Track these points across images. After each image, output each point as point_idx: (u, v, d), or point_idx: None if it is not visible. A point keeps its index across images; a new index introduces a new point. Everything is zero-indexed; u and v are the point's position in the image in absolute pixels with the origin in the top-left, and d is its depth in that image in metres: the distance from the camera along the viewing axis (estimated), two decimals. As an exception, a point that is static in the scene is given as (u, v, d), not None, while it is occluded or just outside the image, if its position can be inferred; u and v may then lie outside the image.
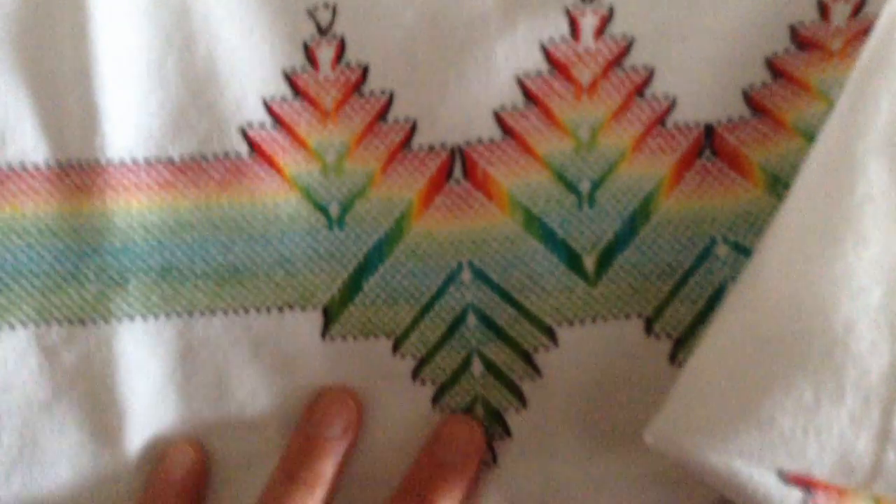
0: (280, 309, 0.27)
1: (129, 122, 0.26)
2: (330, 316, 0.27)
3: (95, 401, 0.26)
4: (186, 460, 0.26)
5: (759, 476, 0.22)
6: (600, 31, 0.26)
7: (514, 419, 0.26)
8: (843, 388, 0.21)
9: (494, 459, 0.27)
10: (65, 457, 0.27)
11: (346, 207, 0.27)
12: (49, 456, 0.26)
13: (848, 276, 0.21)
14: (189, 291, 0.27)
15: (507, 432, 0.27)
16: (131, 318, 0.26)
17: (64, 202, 0.26)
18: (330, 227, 0.27)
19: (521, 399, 0.26)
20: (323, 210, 0.27)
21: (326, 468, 0.26)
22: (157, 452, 0.27)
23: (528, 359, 0.26)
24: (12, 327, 0.26)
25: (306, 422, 0.26)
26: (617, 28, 0.26)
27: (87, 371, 0.26)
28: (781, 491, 0.22)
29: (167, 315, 0.27)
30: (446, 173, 0.27)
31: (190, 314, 0.27)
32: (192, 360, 0.27)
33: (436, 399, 0.27)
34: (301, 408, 0.27)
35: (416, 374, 0.27)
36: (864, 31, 0.24)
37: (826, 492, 0.22)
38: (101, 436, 0.27)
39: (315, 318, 0.27)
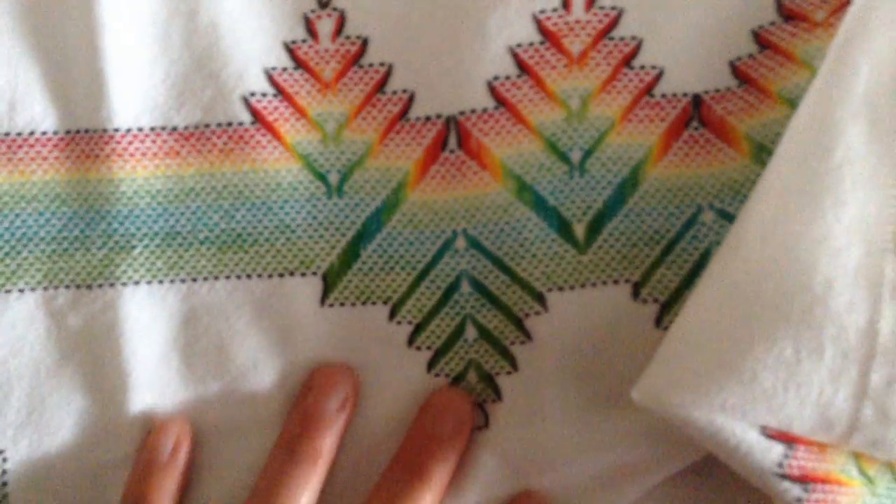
0: (281, 275, 0.27)
1: (135, 92, 0.27)
2: (329, 282, 0.27)
3: (100, 364, 0.27)
4: (172, 439, 0.26)
5: (742, 431, 0.22)
6: (591, 2, 0.27)
7: (505, 382, 0.27)
8: (823, 345, 0.21)
9: (486, 423, 0.27)
10: (70, 420, 0.27)
11: (344, 176, 0.28)
12: (55, 419, 0.27)
13: (827, 237, 0.22)
14: (193, 257, 0.27)
15: (499, 395, 0.27)
16: (136, 282, 0.27)
17: (72, 169, 0.27)
18: (329, 196, 0.28)
19: (513, 363, 0.27)
20: (322, 178, 0.28)
21: (326, 443, 0.26)
22: (153, 422, 0.27)
23: (519, 324, 0.27)
24: (21, 291, 0.27)
25: (305, 396, 0.27)
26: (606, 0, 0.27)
27: (92, 334, 0.27)
28: (763, 446, 0.22)
29: (171, 280, 0.27)
30: (441, 143, 0.27)
31: (194, 280, 0.27)
32: (194, 326, 0.27)
33: (431, 365, 0.27)
34: (301, 375, 0.27)
35: (411, 340, 0.27)
36: (846, 2, 0.24)
37: (807, 447, 0.23)
38: (105, 400, 0.27)
39: (315, 284, 0.27)
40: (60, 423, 0.27)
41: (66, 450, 0.27)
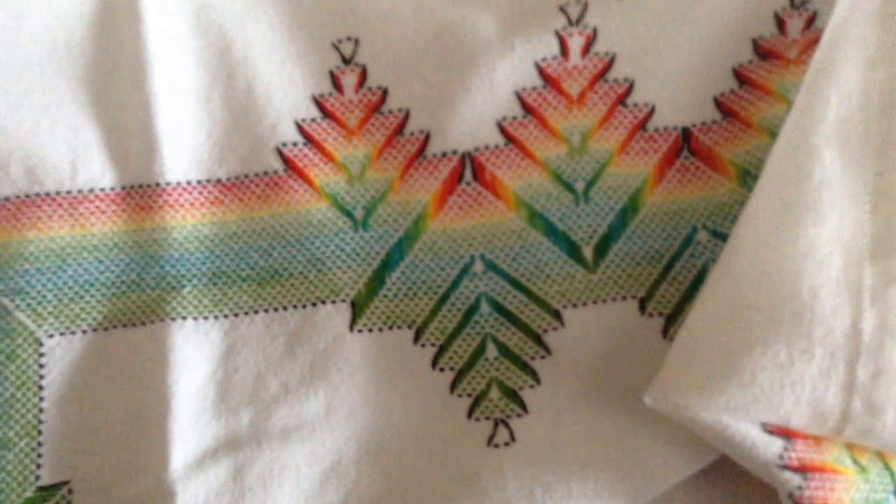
0: (314, 304, 0.29)
1: (183, 150, 0.29)
2: (357, 309, 0.29)
3: (145, 390, 0.28)
4: None
5: (746, 428, 0.24)
6: (586, 49, 0.29)
7: (529, 396, 0.29)
8: (813, 347, 0.23)
9: (513, 437, 0.28)
10: (116, 444, 0.28)
11: (369, 211, 0.30)
12: (103, 445, 0.28)
13: (811, 250, 0.23)
14: (235, 294, 0.29)
15: (525, 409, 0.28)
16: (184, 318, 0.29)
17: (128, 220, 0.29)
18: (355, 230, 0.30)
19: (535, 377, 0.29)
20: (349, 214, 0.30)
21: None
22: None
23: (538, 339, 0.29)
24: (84, 333, 0.29)
25: None
26: (601, 46, 0.29)
27: (140, 363, 0.29)
28: (765, 441, 0.24)
29: (216, 317, 0.29)
30: (458, 177, 0.30)
31: (235, 315, 0.29)
32: (234, 359, 0.29)
33: (453, 386, 0.29)
34: (331, 397, 0.29)
35: (435, 362, 0.29)
36: (816, 41, 0.26)
37: (804, 440, 0.24)
38: (148, 425, 0.28)
39: (344, 311, 0.29)
40: (106, 448, 0.28)
41: (111, 474, 0.28)
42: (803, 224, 0.24)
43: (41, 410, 0.29)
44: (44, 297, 0.29)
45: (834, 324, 0.23)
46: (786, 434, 0.24)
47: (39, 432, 0.28)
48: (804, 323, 0.23)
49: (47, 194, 0.29)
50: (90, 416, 0.29)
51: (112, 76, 0.29)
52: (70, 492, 0.28)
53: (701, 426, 0.25)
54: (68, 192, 0.29)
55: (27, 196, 0.29)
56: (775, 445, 0.24)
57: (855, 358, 0.23)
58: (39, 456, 0.28)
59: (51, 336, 0.29)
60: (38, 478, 0.28)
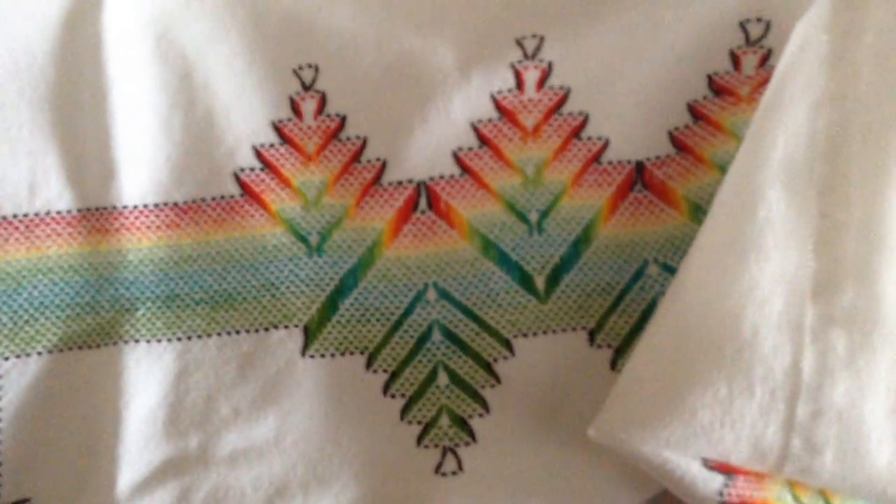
0: (266, 329, 0.30)
1: (141, 173, 0.30)
2: (310, 334, 0.30)
3: (97, 413, 0.29)
4: None
5: (686, 464, 0.24)
6: (541, 83, 0.29)
7: (478, 425, 0.29)
8: (753, 385, 0.23)
9: (461, 466, 0.29)
10: (66, 467, 0.29)
11: (324, 237, 0.30)
12: (53, 469, 0.29)
13: (753, 288, 0.23)
14: (189, 317, 0.29)
15: (473, 438, 0.29)
16: (137, 341, 0.29)
17: (84, 243, 0.30)
18: (310, 255, 0.30)
19: (485, 405, 0.29)
20: (304, 240, 0.30)
21: None
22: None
23: (488, 368, 0.29)
24: (39, 354, 0.29)
25: None
26: (556, 80, 0.29)
27: (92, 387, 0.29)
28: (705, 476, 0.24)
29: (168, 339, 0.29)
30: (413, 205, 0.30)
31: (189, 338, 0.29)
32: (185, 382, 0.29)
33: (404, 412, 0.29)
34: (282, 422, 0.29)
35: (386, 388, 0.29)
36: (769, 79, 0.26)
37: (745, 477, 0.25)
38: (99, 447, 0.29)
39: (296, 337, 0.29)
40: (61, 468, 0.29)
41: (67, 493, 0.29)
42: (746, 262, 0.24)
43: None
44: None
45: (774, 363, 0.23)
46: (727, 470, 0.25)
47: None
48: (745, 361, 0.23)
49: (4, 217, 0.30)
50: (46, 436, 0.29)
51: (72, 100, 0.30)
52: None
53: (643, 460, 0.25)
54: (25, 215, 0.30)
55: None
56: (716, 481, 0.25)
57: (795, 397, 0.23)
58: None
59: (6, 359, 0.29)
60: None
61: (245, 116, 0.30)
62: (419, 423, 0.29)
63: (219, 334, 0.30)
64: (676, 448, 0.24)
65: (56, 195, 0.30)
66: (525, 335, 0.29)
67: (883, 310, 0.23)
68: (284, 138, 0.30)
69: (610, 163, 0.30)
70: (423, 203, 0.30)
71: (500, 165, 0.30)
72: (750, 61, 0.29)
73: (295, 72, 0.30)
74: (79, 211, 0.30)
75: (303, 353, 0.30)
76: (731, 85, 0.29)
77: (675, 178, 0.29)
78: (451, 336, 0.29)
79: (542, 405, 0.29)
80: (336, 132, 0.30)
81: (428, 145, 0.30)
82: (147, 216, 0.30)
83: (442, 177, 0.30)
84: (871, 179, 0.23)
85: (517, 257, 0.30)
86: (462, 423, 0.29)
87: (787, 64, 0.26)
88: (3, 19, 0.29)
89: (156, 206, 0.30)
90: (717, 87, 0.29)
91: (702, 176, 0.29)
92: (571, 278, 0.29)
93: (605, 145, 0.30)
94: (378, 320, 0.30)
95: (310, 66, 0.30)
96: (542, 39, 0.29)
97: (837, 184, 0.24)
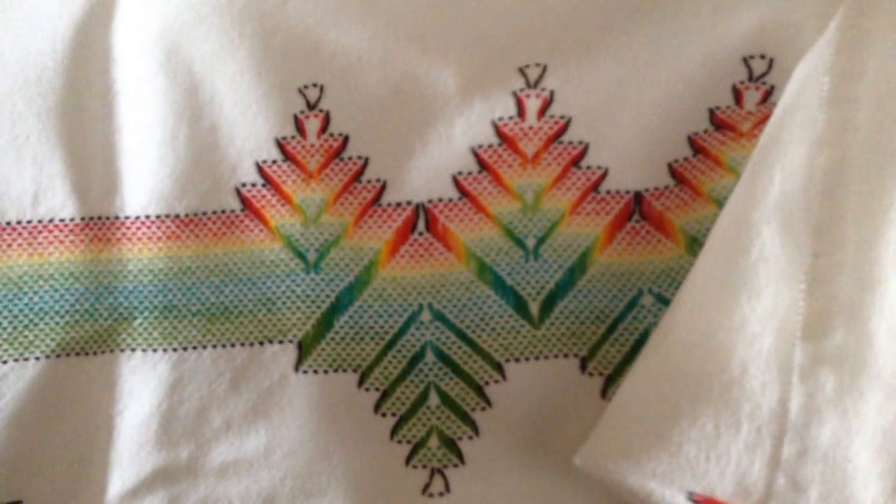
0: (261, 343, 0.30)
1: (144, 185, 0.30)
2: (304, 350, 0.30)
3: (90, 419, 0.29)
4: None
5: (671, 496, 0.24)
6: (542, 111, 0.30)
7: (467, 447, 0.29)
8: (740, 421, 0.23)
9: (447, 488, 0.29)
10: (60, 471, 0.29)
11: (322, 254, 0.30)
12: (45, 473, 0.29)
13: (743, 325, 0.24)
14: (185, 328, 0.30)
15: (462, 460, 0.29)
16: (133, 349, 0.30)
17: (85, 251, 0.30)
18: (307, 272, 0.30)
19: (475, 428, 0.29)
20: (302, 256, 0.30)
21: None
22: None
23: (479, 391, 0.29)
24: (37, 359, 0.30)
25: None
26: (557, 109, 0.30)
27: (87, 394, 0.29)
28: None
29: (164, 349, 0.30)
30: (411, 227, 0.30)
31: (184, 349, 0.30)
32: (179, 392, 0.29)
33: (394, 432, 0.29)
34: (273, 436, 0.29)
35: (377, 406, 0.29)
36: (770, 116, 0.27)
37: None
38: (91, 454, 0.29)
39: (290, 352, 0.30)
40: (54, 471, 0.29)
41: (58, 497, 0.29)
42: (738, 298, 0.24)
43: None
44: (0, 324, 0.30)
45: (762, 400, 0.23)
46: (711, 504, 0.25)
47: None
48: (732, 397, 0.23)
49: (8, 223, 0.30)
50: (40, 439, 0.29)
51: (80, 111, 0.30)
52: None
53: (628, 491, 0.25)
54: (28, 222, 0.30)
55: None
56: (699, 515, 0.25)
57: (781, 435, 0.23)
58: None
59: (5, 362, 0.30)
60: None
61: (249, 132, 0.30)
62: (409, 442, 0.29)
63: (214, 346, 0.30)
64: (662, 480, 0.24)
65: (60, 204, 0.30)
66: (517, 360, 0.29)
67: (872, 351, 0.23)
68: (287, 155, 0.31)
69: (608, 192, 0.30)
70: (420, 225, 0.30)
71: (498, 191, 0.30)
72: (752, 97, 0.29)
73: (300, 90, 0.30)
74: (82, 220, 0.30)
75: (296, 369, 0.30)
76: (732, 120, 0.29)
77: (673, 209, 0.29)
78: (443, 358, 0.30)
79: (531, 430, 0.29)
80: (338, 151, 0.31)
81: (428, 168, 0.30)
82: (149, 227, 0.30)
83: (441, 200, 0.30)
84: (866, 220, 0.24)
85: (512, 282, 0.30)
86: (451, 445, 0.29)
87: (788, 102, 0.26)
88: (14, 31, 0.30)
89: (157, 217, 0.30)
90: (718, 122, 0.29)
91: (699, 209, 0.29)
92: (566, 305, 0.29)
93: (604, 174, 0.30)
94: (372, 339, 0.30)
95: (315, 85, 0.30)
96: (544, 68, 0.30)
97: (832, 224, 0.24)
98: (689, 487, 0.24)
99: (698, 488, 0.24)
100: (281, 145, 0.31)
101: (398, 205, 0.30)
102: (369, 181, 0.30)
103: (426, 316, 0.30)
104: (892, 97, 0.24)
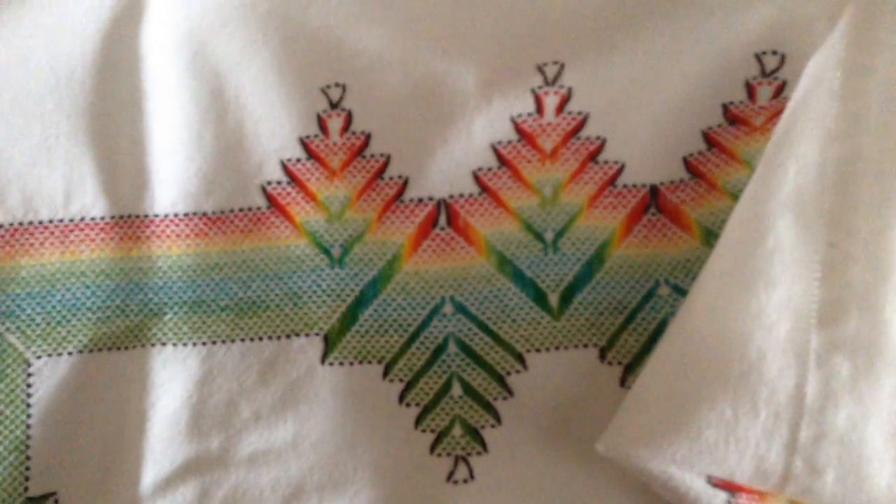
0: (288, 336, 0.31)
1: (173, 183, 0.31)
2: (330, 343, 0.31)
3: (123, 413, 0.30)
4: None
5: (691, 480, 0.25)
6: (560, 108, 0.30)
7: (490, 435, 0.30)
8: (758, 406, 0.24)
9: (472, 475, 0.30)
10: (94, 462, 0.30)
11: (346, 250, 0.31)
12: (81, 465, 0.30)
13: (760, 314, 0.24)
14: (214, 322, 0.31)
15: (485, 448, 0.30)
16: (164, 343, 0.30)
17: (116, 248, 0.31)
18: (332, 266, 0.31)
19: (497, 417, 0.30)
20: (327, 252, 0.31)
21: None
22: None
23: (501, 381, 0.30)
24: (70, 354, 0.30)
25: None
26: (574, 106, 0.30)
27: (120, 386, 0.30)
28: (709, 493, 0.25)
29: (194, 343, 0.30)
30: (433, 222, 0.31)
31: (213, 343, 0.30)
32: (209, 385, 0.30)
33: (418, 421, 0.30)
34: (301, 426, 0.30)
35: (402, 397, 0.30)
36: (782, 110, 0.27)
37: (748, 494, 0.25)
38: (125, 445, 0.30)
39: (317, 344, 0.30)
40: (88, 463, 0.30)
41: (92, 488, 0.30)
42: (755, 288, 0.25)
43: (29, 427, 0.30)
44: (33, 320, 0.31)
45: (779, 386, 0.24)
46: (731, 488, 0.25)
47: (27, 447, 0.30)
48: (750, 383, 0.24)
49: (41, 222, 0.31)
50: (74, 433, 0.30)
51: (109, 112, 0.31)
52: (56, 502, 0.30)
53: (649, 476, 0.26)
54: (60, 221, 0.31)
55: (21, 224, 0.31)
56: (719, 498, 0.25)
57: (798, 419, 0.24)
58: (28, 469, 0.30)
59: (38, 357, 0.30)
60: (26, 489, 0.30)
61: (274, 132, 0.31)
62: (433, 431, 0.30)
63: (242, 340, 0.31)
64: (682, 465, 0.25)
65: (91, 202, 0.31)
66: (538, 350, 0.30)
67: (886, 338, 0.24)
68: (311, 154, 0.31)
69: (625, 186, 0.30)
70: (442, 220, 0.31)
71: (518, 186, 0.31)
72: (765, 92, 0.30)
73: (323, 90, 0.31)
74: (112, 218, 0.31)
75: (322, 361, 0.31)
76: (745, 114, 0.30)
77: (688, 202, 0.30)
78: (465, 349, 0.30)
79: (552, 419, 0.30)
80: (361, 149, 0.31)
81: (449, 164, 0.31)
82: (177, 225, 0.31)
83: (461, 195, 0.31)
84: (878, 211, 0.24)
85: (532, 275, 0.30)
86: (474, 433, 0.30)
87: (800, 97, 0.26)
88: (45, 34, 0.30)
89: (185, 215, 0.31)
90: (731, 116, 0.30)
91: (714, 202, 0.30)
92: (584, 297, 0.30)
93: (621, 169, 0.30)
94: (396, 331, 0.31)
95: (337, 85, 0.31)
96: (562, 66, 0.30)
97: (846, 214, 0.24)
98: (708, 471, 0.25)
99: (718, 472, 0.25)
100: (305, 144, 0.31)
101: (420, 200, 0.31)
102: (391, 178, 0.31)
103: (448, 308, 0.31)
104: None
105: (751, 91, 0.30)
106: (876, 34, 0.25)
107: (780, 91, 0.29)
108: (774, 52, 0.29)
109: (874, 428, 0.24)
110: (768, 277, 0.25)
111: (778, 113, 0.29)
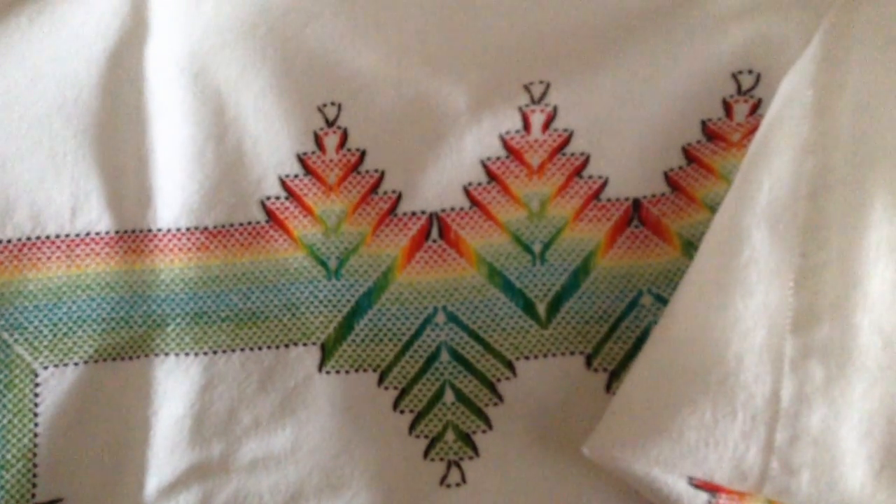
0: (286, 346, 0.31)
1: (175, 199, 0.32)
2: (326, 351, 0.31)
3: (126, 422, 0.31)
4: None
5: (673, 482, 0.26)
6: (546, 125, 0.31)
7: (481, 440, 0.31)
8: (735, 410, 0.25)
9: (464, 479, 0.30)
10: (97, 467, 0.31)
11: (342, 262, 0.32)
12: (84, 473, 0.31)
13: (737, 321, 0.25)
14: (215, 333, 0.31)
15: (476, 452, 0.31)
16: (166, 354, 0.31)
17: (120, 262, 0.31)
18: (328, 278, 0.32)
19: (488, 422, 0.31)
20: (323, 264, 0.32)
21: None
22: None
23: (492, 388, 0.31)
24: (76, 364, 0.31)
25: None
26: (560, 123, 0.31)
27: (124, 396, 0.31)
28: (691, 494, 0.26)
29: (196, 354, 0.31)
30: (425, 234, 0.32)
31: (214, 352, 0.31)
32: (210, 393, 0.31)
33: (412, 427, 0.31)
34: (299, 432, 0.31)
35: (396, 404, 0.31)
36: (758, 126, 0.28)
37: (728, 495, 0.26)
38: (128, 455, 0.30)
39: (314, 353, 0.31)
40: (93, 470, 0.31)
41: (98, 495, 0.31)
42: (732, 297, 0.25)
43: (36, 435, 0.31)
44: (40, 331, 0.31)
45: (756, 390, 0.25)
46: (711, 488, 0.26)
47: (34, 455, 0.30)
48: (728, 387, 0.25)
49: (48, 237, 0.31)
50: (80, 440, 0.31)
51: (114, 131, 0.32)
52: None
53: (633, 478, 0.27)
54: (67, 235, 0.32)
55: (29, 238, 0.31)
56: (700, 499, 0.26)
57: (774, 422, 0.24)
58: (35, 476, 0.30)
59: (45, 368, 0.31)
60: (33, 496, 0.30)
61: (272, 149, 0.32)
62: (426, 437, 0.31)
63: (242, 349, 0.31)
64: (664, 466, 0.26)
65: (96, 218, 0.32)
66: (527, 358, 0.31)
67: (857, 343, 0.24)
68: (308, 170, 0.32)
69: (609, 200, 0.31)
70: (434, 233, 0.32)
71: (506, 200, 0.32)
72: (741, 110, 0.30)
73: (319, 109, 0.32)
74: (117, 233, 0.32)
75: (319, 369, 0.31)
76: (723, 131, 0.31)
77: (669, 215, 0.31)
78: (457, 357, 0.31)
79: (541, 423, 0.30)
80: (356, 165, 0.32)
81: (440, 179, 0.32)
82: (179, 239, 0.32)
83: (453, 209, 0.32)
84: (849, 222, 0.25)
85: (521, 285, 0.31)
86: (466, 439, 0.31)
87: (775, 114, 0.27)
88: (53, 55, 0.31)
89: (188, 229, 0.32)
90: (710, 133, 0.31)
91: (694, 214, 0.31)
92: (571, 306, 0.31)
93: (605, 183, 0.31)
94: (390, 340, 0.31)
95: (333, 103, 0.32)
96: (548, 85, 0.31)
97: (818, 226, 0.25)
98: (690, 472, 0.26)
99: (699, 473, 0.25)
100: (302, 160, 0.32)
101: (413, 214, 0.32)
102: (385, 192, 0.32)
103: (441, 318, 0.31)
104: (872, 107, 0.25)
105: (728, 109, 0.31)
106: (846, 54, 0.26)
107: (756, 108, 0.30)
108: (750, 72, 0.30)
109: (847, 429, 0.24)
110: (745, 286, 0.25)
111: (754, 129, 0.29)
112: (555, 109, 0.31)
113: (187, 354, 0.31)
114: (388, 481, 0.30)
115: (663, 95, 0.31)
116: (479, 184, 0.32)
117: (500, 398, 0.31)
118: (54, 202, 0.31)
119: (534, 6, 0.31)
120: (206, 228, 0.32)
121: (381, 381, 0.31)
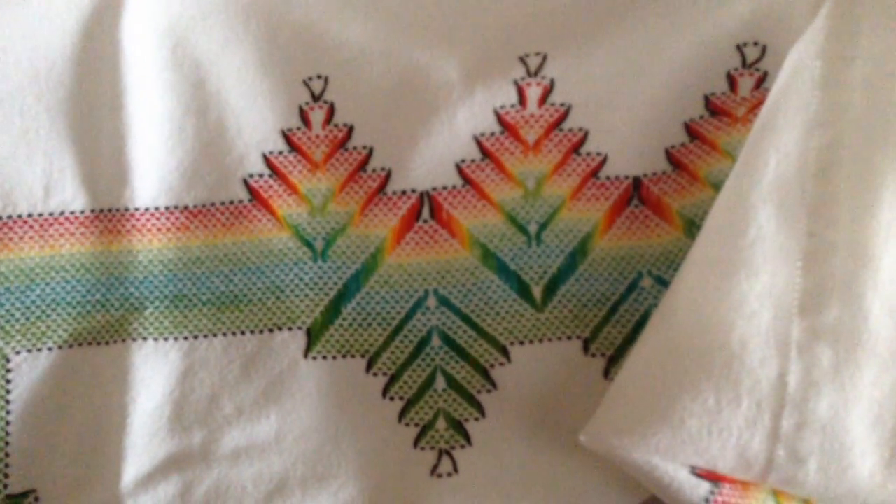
0: (270, 330, 0.30)
1: (153, 177, 0.31)
2: (312, 336, 0.30)
3: (103, 409, 0.30)
4: None
5: (674, 470, 0.25)
6: (543, 99, 0.30)
7: (474, 428, 0.30)
8: (740, 396, 0.24)
9: (455, 469, 0.30)
10: (72, 460, 0.30)
11: (329, 243, 0.31)
12: (59, 462, 0.30)
13: (742, 303, 0.24)
14: (195, 317, 0.30)
15: (469, 441, 0.30)
16: (144, 338, 0.30)
17: (96, 242, 0.31)
18: (315, 260, 0.31)
19: (481, 410, 0.30)
20: (309, 245, 0.31)
21: None
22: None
23: (485, 374, 0.30)
24: (50, 350, 0.30)
25: None
26: (557, 97, 0.30)
27: (100, 383, 0.30)
28: (692, 483, 0.25)
29: (175, 338, 0.30)
30: (416, 214, 0.31)
31: (195, 337, 0.30)
32: (191, 380, 0.30)
33: (402, 414, 0.30)
34: (284, 421, 0.30)
35: (385, 391, 0.30)
36: (763, 101, 0.27)
37: (731, 484, 0.25)
38: (104, 442, 0.30)
39: (300, 338, 0.30)
40: (68, 460, 0.30)
41: (72, 485, 0.30)
42: (737, 278, 0.25)
43: (8, 423, 0.30)
44: (12, 315, 0.30)
45: (761, 375, 0.24)
46: (714, 478, 0.26)
47: (7, 444, 0.30)
48: (733, 372, 0.24)
49: (20, 216, 0.31)
50: (54, 429, 0.30)
51: (89, 105, 0.31)
52: (36, 500, 0.30)
53: (632, 466, 0.26)
54: (40, 215, 0.31)
55: (0, 218, 0.30)
56: (702, 488, 0.26)
57: (780, 409, 0.24)
58: (7, 466, 0.30)
59: (18, 353, 0.30)
60: (6, 486, 0.30)
61: (255, 124, 0.31)
62: (416, 425, 0.30)
63: (224, 334, 0.30)
64: (665, 455, 0.25)
65: (70, 196, 0.31)
66: (521, 343, 0.30)
67: (867, 326, 0.24)
68: (293, 146, 0.31)
69: (608, 178, 0.30)
70: (425, 212, 0.31)
71: (501, 178, 0.31)
72: (746, 83, 0.30)
73: (305, 82, 0.31)
74: (92, 212, 0.31)
75: (305, 355, 0.30)
76: (727, 106, 0.30)
77: (671, 194, 0.30)
78: (449, 342, 0.30)
79: (536, 411, 0.30)
80: (343, 142, 0.31)
81: (432, 156, 0.31)
82: (158, 218, 0.31)
83: (445, 187, 0.31)
84: (859, 200, 0.24)
85: (516, 267, 0.30)
86: (458, 427, 0.30)
87: (781, 87, 0.27)
88: (24, 26, 0.30)
89: (167, 208, 0.31)
90: (713, 108, 0.30)
91: (696, 193, 0.30)
92: (568, 289, 0.30)
93: (604, 161, 0.30)
94: (379, 325, 0.31)
95: (319, 77, 0.31)
96: (545, 57, 0.30)
97: (826, 204, 0.25)
98: (691, 461, 0.25)
99: (701, 462, 0.25)
100: (287, 136, 0.31)
101: (403, 193, 0.31)
102: (374, 170, 0.31)
103: (432, 301, 0.31)
104: (883, 79, 0.25)
105: (732, 82, 0.30)
106: (856, 24, 0.25)
107: (762, 82, 0.30)
108: (755, 44, 0.29)
109: (856, 416, 0.24)
110: (750, 267, 0.25)
111: (759, 104, 0.29)
112: (552, 82, 0.31)
113: (166, 339, 0.30)
114: (377, 471, 0.30)
115: (665, 69, 0.30)
116: (473, 161, 0.31)
117: (494, 385, 0.30)
118: (26, 180, 0.30)
119: None
120: (186, 207, 0.31)
121: (369, 367, 0.30)
